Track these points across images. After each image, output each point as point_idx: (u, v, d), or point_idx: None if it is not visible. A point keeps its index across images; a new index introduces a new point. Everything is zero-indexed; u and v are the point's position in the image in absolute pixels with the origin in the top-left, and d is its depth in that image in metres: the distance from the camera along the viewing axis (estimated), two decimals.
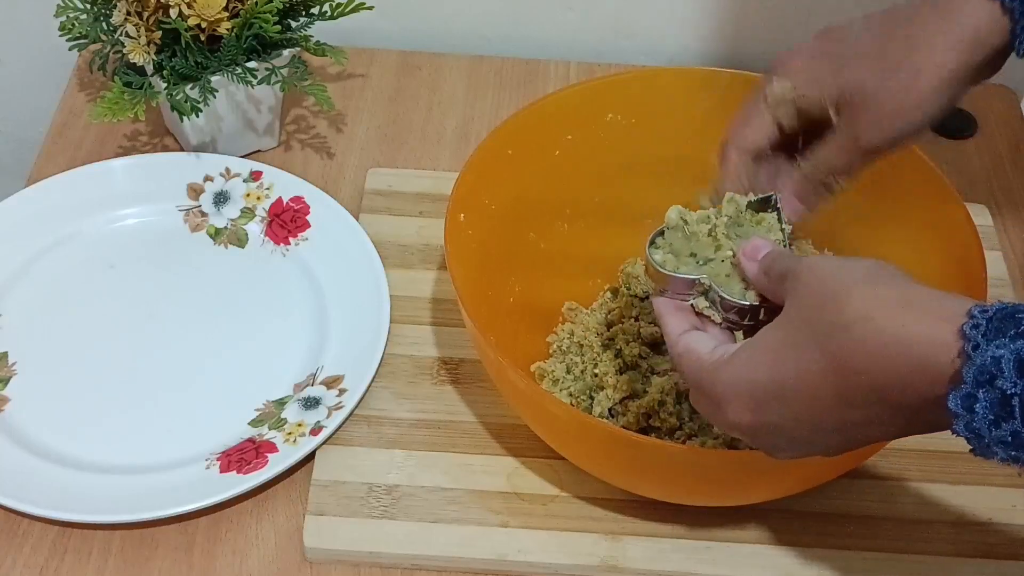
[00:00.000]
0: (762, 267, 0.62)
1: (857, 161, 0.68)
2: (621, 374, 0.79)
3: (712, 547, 0.76)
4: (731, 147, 0.70)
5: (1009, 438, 0.47)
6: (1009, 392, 0.46)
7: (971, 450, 0.50)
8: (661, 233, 0.67)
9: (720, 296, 0.64)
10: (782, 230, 0.67)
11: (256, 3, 0.90)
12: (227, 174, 0.96)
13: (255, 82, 0.94)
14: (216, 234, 0.95)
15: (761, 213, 0.68)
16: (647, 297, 0.85)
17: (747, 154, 0.70)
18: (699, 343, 0.62)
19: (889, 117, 0.66)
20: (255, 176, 0.96)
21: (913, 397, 0.50)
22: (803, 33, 0.71)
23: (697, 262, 0.65)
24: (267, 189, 0.95)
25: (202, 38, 0.92)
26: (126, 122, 1.01)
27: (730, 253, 0.65)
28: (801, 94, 0.68)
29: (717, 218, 0.66)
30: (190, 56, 0.92)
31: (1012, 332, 0.47)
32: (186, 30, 0.90)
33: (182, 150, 1.00)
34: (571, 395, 0.80)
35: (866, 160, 0.69)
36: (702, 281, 0.64)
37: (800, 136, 0.71)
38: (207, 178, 0.96)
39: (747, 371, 0.57)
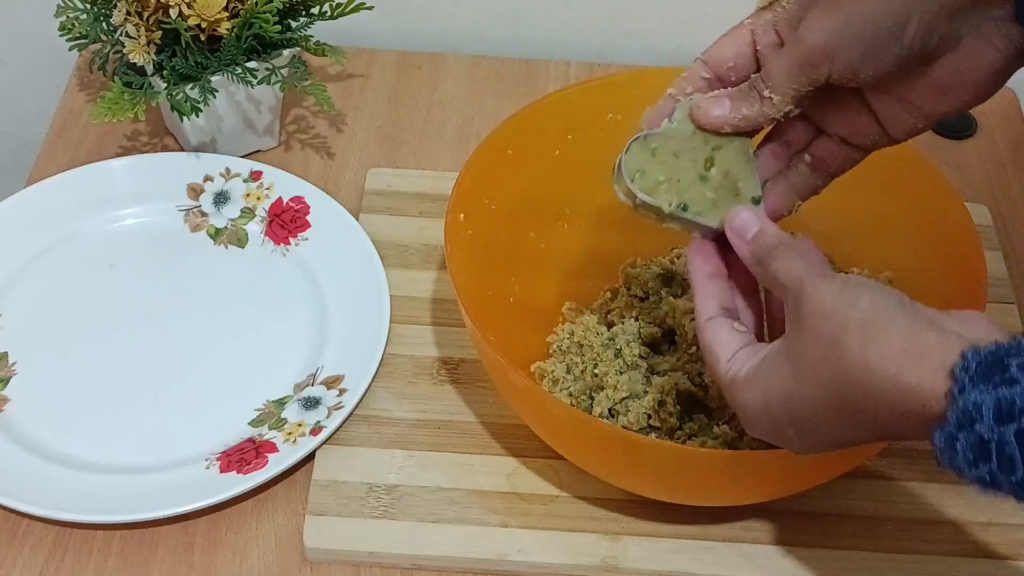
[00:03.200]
0: (754, 254, 0.63)
1: (795, 71, 0.62)
2: (621, 374, 0.79)
3: (712, 547, 0.76)
4: (697, 59, 0.67)
5: (987, 477, 0.50)
6: (987, 437, 0.49)
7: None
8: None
9: (699, 224, 0.66)
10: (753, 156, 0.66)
11: (256, 3, 0.90)
12: (227, 174, 0.96)
13: (255, 82, 0.94)
14: (216, 234, 0.95)
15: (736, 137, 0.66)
16: (647, 297, 0.85)
17: (710, 68, 0.66)
18: (720, 343, 0.63)
19: (844, 25, 0.61)
20: (255, 176, 0.96)
21: (907, 429, 0.54)
22: None
23: (674, 181, 0.65)
24: (267, 189, 0.95)
25: (202, 38, 0.92)
26: (126, 122, 1.01)
27: (715, 174, 0.66)
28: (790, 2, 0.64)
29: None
30: (190, 56, 0.92)
31: (997, 379, 0.50)
32: (186, 30, 0.90)
33: (182, 150, 1.00)
34: (571, 395, 0.80)
35: (804, 72, 0.62)
36: (675, 212, 0.65)
37: None
38: (207, 178, 0.96)
39: (762, 399, 0.60)
